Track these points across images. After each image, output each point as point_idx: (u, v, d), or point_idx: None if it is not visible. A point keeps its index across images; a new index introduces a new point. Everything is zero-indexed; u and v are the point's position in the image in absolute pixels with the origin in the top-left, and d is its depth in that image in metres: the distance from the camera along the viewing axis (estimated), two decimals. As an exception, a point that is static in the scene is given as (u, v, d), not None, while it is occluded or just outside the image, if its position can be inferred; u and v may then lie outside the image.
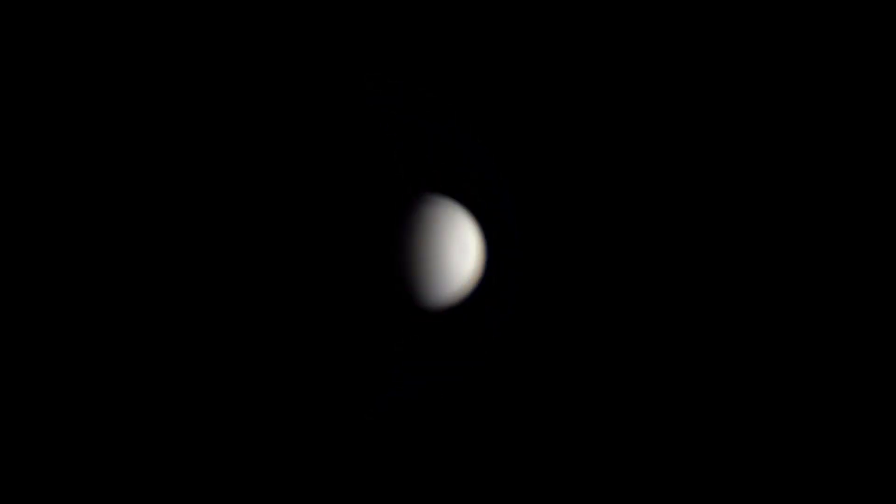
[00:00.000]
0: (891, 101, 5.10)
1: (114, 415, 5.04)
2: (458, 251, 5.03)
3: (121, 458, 5.04)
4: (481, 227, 5.14)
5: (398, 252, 4.92)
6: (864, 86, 5.12)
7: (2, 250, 5.03)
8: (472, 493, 5.09)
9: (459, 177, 5.17)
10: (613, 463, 5.09)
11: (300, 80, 5.17)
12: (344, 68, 5.18)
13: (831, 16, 5.12)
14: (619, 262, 5.16)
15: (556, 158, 5.19)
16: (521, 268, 5.19)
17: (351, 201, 5.03)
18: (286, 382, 5.08)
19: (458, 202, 5.13)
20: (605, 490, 5.08)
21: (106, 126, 5.11)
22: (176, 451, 5.05)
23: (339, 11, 5.17)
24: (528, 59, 5.18)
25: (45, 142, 5.09)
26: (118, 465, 5.03)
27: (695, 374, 5.11)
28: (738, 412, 5.08)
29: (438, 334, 5.12)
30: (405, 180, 5.11)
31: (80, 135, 5.10)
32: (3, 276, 5.03)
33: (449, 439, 5.11)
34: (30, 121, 5.08)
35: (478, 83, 5.18)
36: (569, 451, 5.11)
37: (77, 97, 5.10)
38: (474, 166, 5.19)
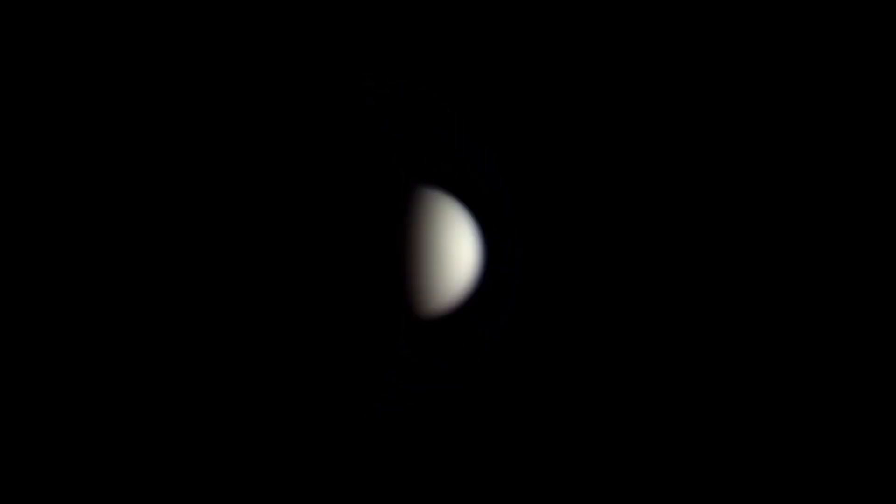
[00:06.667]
0: (891, 101, 5.12)
1: (113, 414, 5.09)
2: (456, 252, 5.05)
3: (120, 457, 5.09)
4: (481, 227, 5.16)
5: (396, 253, 4.95)
6: (865, 86, 5.14)
7: (2, 250, 5.07)
8: (471, 497, 5.13)
9: (459, 177, 5.19)
10: (613, 469, 5.12)
11: (299, 79, 5.19)
12: (343, 68, 5.21)
13: (831, 16, 5.13)
14: (620, 265, 5.18)
15: (557, 159, 5.22)
16: (521, 270, 5.20)
17: (349, 201, 5.06)
18: (283, 385, 5.12)
19: (458, 202, 5.15)
20: (605, 494, 5.12)
21: (106, 126, 5.14)
22: (175, 452, 5.09)
23: (339, 11, 5.19)
24: (529, 58, 5.20)
25: (45, 142, 5.12)
26: (118, 465, 5.09)
27: (695, 380, 5.14)
28: (739, 417, 5.12)
29: (435, 338, 5.15)
30: (403, 180, 5.13)
31: (80, 135, 5.13)
32: (3, 277, 5.07)
33: (446, 445, 5.15)
34: (30, 121, 5.12)
35: (477, 83, 5.20)
36: (568, 458, 5.14)
37: (78, 97, 5.14)
38: (474, 166, 5.21)
